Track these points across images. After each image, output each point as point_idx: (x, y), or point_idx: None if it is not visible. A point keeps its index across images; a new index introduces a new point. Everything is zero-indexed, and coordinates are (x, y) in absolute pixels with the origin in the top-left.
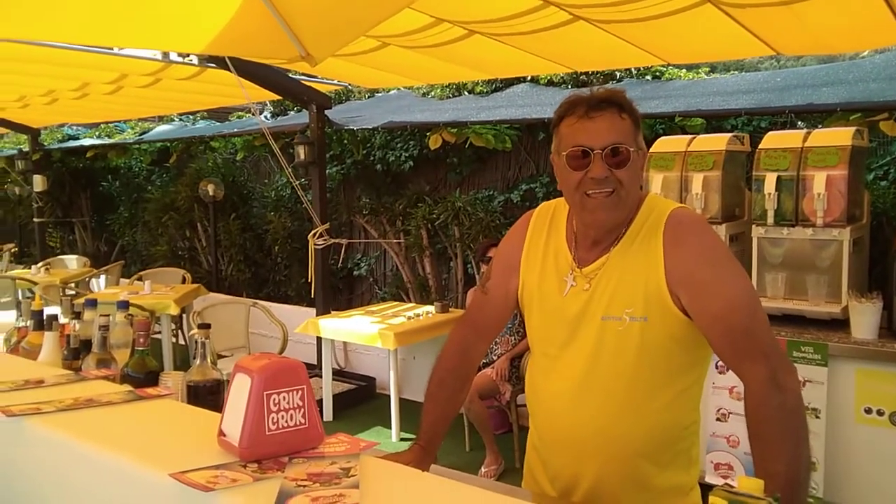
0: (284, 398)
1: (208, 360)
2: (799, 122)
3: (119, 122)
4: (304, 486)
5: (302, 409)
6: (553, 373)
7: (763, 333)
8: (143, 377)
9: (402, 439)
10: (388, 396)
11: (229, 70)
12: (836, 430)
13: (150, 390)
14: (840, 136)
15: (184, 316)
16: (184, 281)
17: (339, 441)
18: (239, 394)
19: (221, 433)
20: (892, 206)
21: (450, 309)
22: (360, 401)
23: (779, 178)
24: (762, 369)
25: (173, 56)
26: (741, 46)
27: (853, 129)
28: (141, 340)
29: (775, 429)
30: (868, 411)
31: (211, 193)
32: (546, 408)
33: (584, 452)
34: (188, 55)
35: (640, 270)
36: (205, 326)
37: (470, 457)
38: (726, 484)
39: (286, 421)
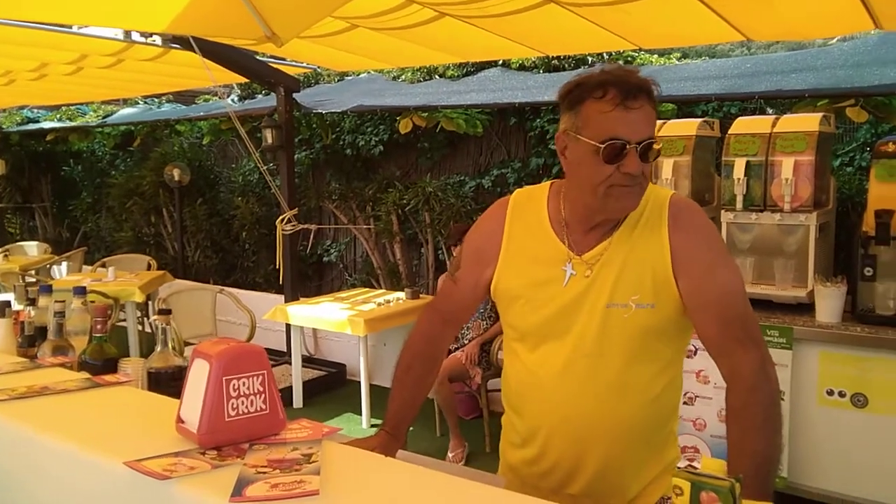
0: (244, 384)
1: (170, 347)
2: (768, 109)
3: (80, 104)
4: (264, 472)
5: (263, 395)
6: (550, 362)
7: (754, 322)
8: (101, 364)
9: (372, 426)
10: (359, 383)
11: (194, 51)
12: (800, 412)
13: (108, 377)
14: (807, 121)
15: (149, 303)
16: (149, 267)
17: (302, 427)
18: (197, 379)
19: (180, 420)
20: (857, 191)
21: (420, 295)
22: (330, 388)
23: (748, 163)
24: (755, 356)
25: (135, 36)
26: (712, 31)
27: (820, 115)
28: (98, 327)
29: (761, 414)
30: (830, 393)
31: (177, 178)
32: (543, 398)
33: (588, 439)
34: (151, 35)
35: (646, 257)
36: (165, 312)
37: (441, 442)
38: (689, 465)
39: (246, 407)
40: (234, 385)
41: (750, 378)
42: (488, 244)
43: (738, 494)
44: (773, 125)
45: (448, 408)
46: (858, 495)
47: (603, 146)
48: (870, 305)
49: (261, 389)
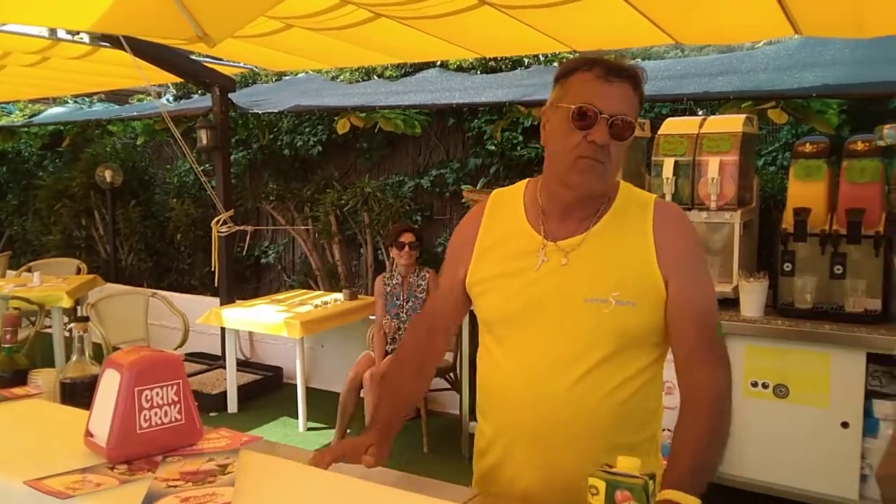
0: (158, 394)
1: (87, 355)
2: (699, 110)
3: (5, 103)
4: (176, 485)
5: (178, 405)
6: (518, 355)
7: (723, 339)
8: (10, 376)
9: (309, 429)
10: (296, 386)
11: (124, 50)
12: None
13: (16, 390)
14: (732, 122)
15: (78, 308)
16: (79, 272)
17: (220, 436)
18: (108, 391)
19: (89, 433)
20: (779, 190)
21: (359, 296)
22: (266, 391)
23: (676, 163)
24: (721, 374)
25: (61, 33)
26: (643, 35)
27: (744, 116)
28: (7, 337)
29: (720, 426)
30: (754, 385)
31: (108, 180)
32: (507, 397)
33: (555, 442)
34: (78, 33)
35: (627, 253)
36: (83, 319)
37: (428, 458)
38: (606, 464)
39: (160, 418)
40: (146, 395)
41: (721, 393)
42: (464, 243)
43: (652, 492)
44: (700, 126)
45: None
46: (781, 483)
47: (574, 108)
48: (789, 299)
49: (175, 399)
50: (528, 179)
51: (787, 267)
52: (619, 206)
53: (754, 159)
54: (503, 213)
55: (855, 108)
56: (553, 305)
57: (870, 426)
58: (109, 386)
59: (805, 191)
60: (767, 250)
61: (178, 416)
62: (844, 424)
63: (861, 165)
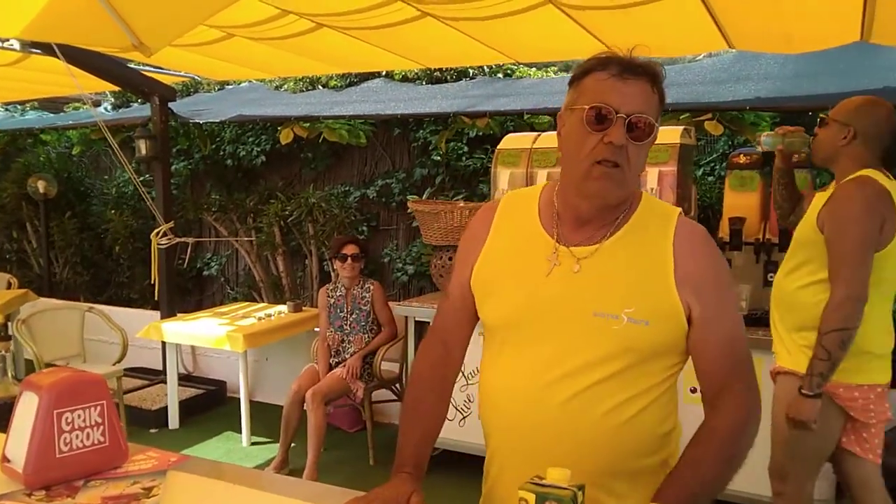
0: (80, 416)
1: (9, 376)
2: None
3: None
4: None
5: (101, 427)
6: (519, 366)
7: (752, 364)
8: None
9: (253, 443)
10: (239, 400)
11: (57, 57)
12: (683, 407)
13: None
14: (670, 134)
15: (9, 324)
16: (9, 286)
17: (147, 458)
18: (25, 414)
19: (5, 459)
20: (717, 199)
21: (303, 308)
22: (209, 406)
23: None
24: (749, 402)
25: None
26: (583, 47)
27: (682, 128)
28: None
29: (733, 453)
30: (693, 391)
31: (42, 191)
32: (505, 412)
33: (548, 464)
34: (7, 39)
35: (643, 269)
36: (4, 338)
37: (374, 471)
38: (536, 476)
39: (81, 441)
40: (66, 418)
41: (729, 422)
42: (473, 245)
43: (581, 503)
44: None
45: (317, 433)
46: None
47: (588, 108)
48: None
49: (99, 421)
50: (544, 182)
51: None
52: (640, 218)
53: (692, 170)
54: (516, 214)
55: (786, 121)
56: (560, 315)
57: None
58: (27, 409)
59: (740, 201)
60: None
61: (102, 439)
62: None
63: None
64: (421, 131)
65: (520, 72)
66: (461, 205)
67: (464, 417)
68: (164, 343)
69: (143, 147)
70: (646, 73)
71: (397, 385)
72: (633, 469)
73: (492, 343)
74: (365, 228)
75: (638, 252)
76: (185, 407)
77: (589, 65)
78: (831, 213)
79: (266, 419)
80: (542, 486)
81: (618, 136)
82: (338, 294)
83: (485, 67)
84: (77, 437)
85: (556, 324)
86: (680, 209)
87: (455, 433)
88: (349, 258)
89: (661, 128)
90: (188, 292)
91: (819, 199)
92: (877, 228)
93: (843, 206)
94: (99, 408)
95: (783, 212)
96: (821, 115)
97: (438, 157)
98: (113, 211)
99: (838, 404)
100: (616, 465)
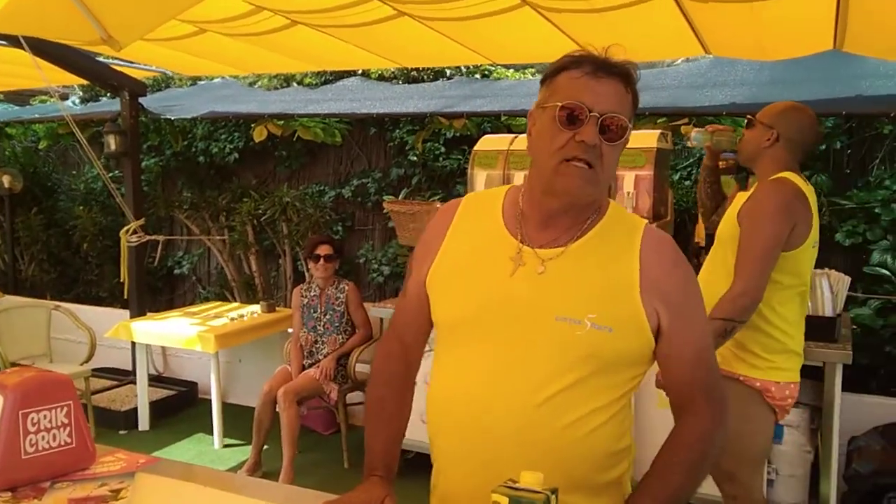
0: (45, 416)
1: None
2: None
3: None
4: None
5: (68, 428)
6: (470, 369)
7: (720, 376)
8: None
9: (225, 445)
10: (211, 402)
11: (23, 49)
12: (643, 415)
13: None
14: (646, 138)
15: None
16: None
17: (116, 459)
18: None
19: None
20: (693, 204)
21: (276, 308)
22: (180, 408)
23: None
24: (716, 414)
25: None
26: (559, 49)
27: (658, 132)
28: None
29: (699, 463)
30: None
31: (7, 185)
32: (452, 416)
33: (496, 474)
34: None
35: (608, 275)
36: None
37: (348, 474)
38: (510, 479)
39: (48, 442)
40: (32, 419)
41: (712, 431)
42: (432, 244)
43: None
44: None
45: (291, 432)
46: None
47: (560, 105)
48: None
49: (66, 422)
50: (510, 185)
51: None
52: (607, 225)
53: (668, 174)
54: (478, 214)
55: None
56: (520, 316)
57: (776, 432)
58: None
59: None
60: None
61: (69, 440)
62: None
63: None
64: (397, 131)
65: (497, 73)
66: (437, 206)
67: None
68: (133, 343)
69: (112, 142)
70: (620, 72)
71: None
72: (590, 484)
73: (445, 344)
74: (340, 228)
75: (604, 258)
76: (156, 408)
77: (562, 62)
78: (748, 210)
79: (238, 421)
80: (516, 489)
81: (590, 135)
82: (312, 294)
83: (462, 68)
84: (43, 438)
85: (516, 325)
86: (647, 221)
87: None
88: (322, 258)
89: (637, 132)
90: (159, 291)
91: (740, 197)
92: (788, 229)
93: (760, 204)
94: (66, 408)
95: (706, 210)
96: (748, 117)
97: (415, 158)
98: (81, 207)
99: (769, 403)
100: (574, 479)
